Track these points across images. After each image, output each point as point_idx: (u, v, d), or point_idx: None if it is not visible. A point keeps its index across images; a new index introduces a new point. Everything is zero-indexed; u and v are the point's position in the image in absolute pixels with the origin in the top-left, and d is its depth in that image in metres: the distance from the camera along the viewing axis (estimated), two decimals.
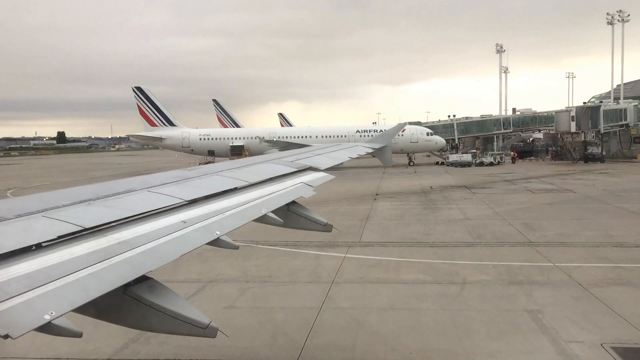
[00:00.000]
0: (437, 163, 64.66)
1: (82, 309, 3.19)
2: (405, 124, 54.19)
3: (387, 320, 11.49)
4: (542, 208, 27.18)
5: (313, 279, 14.99)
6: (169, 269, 11.27)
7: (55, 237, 3.62)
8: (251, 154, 56.24)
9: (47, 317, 2.80)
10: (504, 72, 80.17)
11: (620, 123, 62.43)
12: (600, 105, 62.51)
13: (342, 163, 11.21)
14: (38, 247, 3.44)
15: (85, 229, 3.87)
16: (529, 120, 72.19)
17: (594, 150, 60.66)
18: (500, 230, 21.16)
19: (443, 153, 66.73)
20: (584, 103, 66.35)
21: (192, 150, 64.90)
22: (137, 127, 67.29)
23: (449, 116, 76.95)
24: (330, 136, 61.48)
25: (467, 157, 59.99)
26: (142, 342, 10.30)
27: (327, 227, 7.48)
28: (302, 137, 63.04)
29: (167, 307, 3.92)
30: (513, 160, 62.89)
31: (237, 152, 61.02)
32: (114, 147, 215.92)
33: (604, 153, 60.78)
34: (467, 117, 74.92)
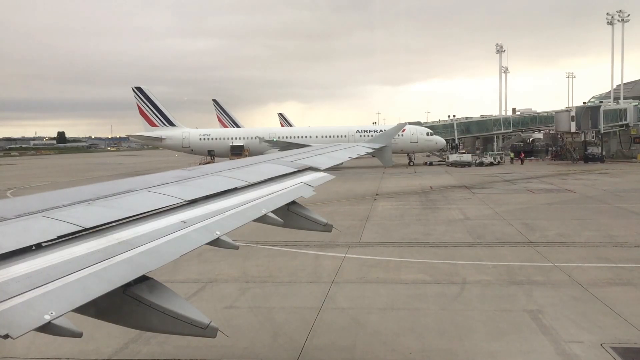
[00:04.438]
0: (426, 164, 64.18)
1: (82, 309, 3.19)
2: (405, 124, 54.24)
3: (387, 320, 11.49)
4: (542, 208, 27.18)
5: (313, 279, 14.99)
6: (169, 269, 11.26)
7: (55, 237, 3.62)
8: (251, 154, 56.25)
9: (47, 317, 2.80)
10: (504, 72, 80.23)
11: (620, 123, 62.45)
12: (600, 105, 62.53)
13: (342, 163, 11.20)
14: (38, 247, 3.44)
15: (85, 229, 3.87)
16: (529, 120, 72.25)
17: (594, 150, 60.68)
18: (501, 231, 21.16)
19: (443, 153, 66.75)
20: (584, 103, 66.35)
21: (192, 150, 64.95)
22: (137, 127, 67.36)
23: (449, 116, 77.03)
24: (330, 136, 61.51)
25: (467, 157, 60.00)
26: (142, 342, 10.30)
27: (327, 227, 7.48)
28: (302, 137, 63.07)
29: (167, 307, 3.92)
30: (517, 160, 62.19)
31: (237, 152, 61.06)
32: (112, 147, 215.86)
33: (604, 153, 60.82)
34: (467, 117, 74.96)
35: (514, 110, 79.31)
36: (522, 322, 11.06)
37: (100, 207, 4.50)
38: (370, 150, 13.72)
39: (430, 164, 63.65)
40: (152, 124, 64.76)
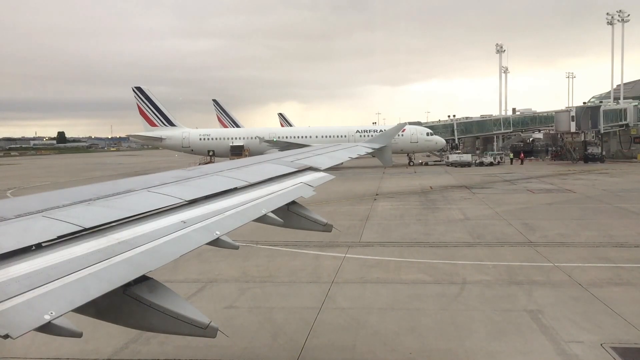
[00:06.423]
0: (421, 163, 64.07)
1: (82, 309, 3.19)
2: (405, 124, 54.18)
3: (387, 320, 11.49)
4: (542, 208, 27.18)
5: (313, 279, 14.98)
6: (169, 269, 11.26)
7: (55, 237, 3.62)
8: (251, 154, 56.23)
9: (47, 317, 2.80)
10: (504, 72, 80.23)
11: (620, 123, 62.46)
12: (600, 105, 62.55)
13: (342, 163, 11.21)
14: (38, 247, 3.44)
15: (85, 229, 3.87)
16: (529, 120, 72.26)
17: (594, 150, 60.68)
18: (500, 231, 21.16)
19: (443, 153, 66.72)
20: (584, 103, 66.36)
21: (192, 150, 64.95)
22: (137, 127, 67.40)
23: (449, 116, 77.05)
24: (330, 136, 61.51)
25: (467, 157, 59.94)
26: (142, 342, 10.30)
27: (327, 227, 7.48)
28: (302, 137, 63.07)
29: (167, 307, 3.92)
30: (517, 160, 61.97)
31: (237, 152, 61.05)
32: (112, 147, 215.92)
33: (603, 153, 60.83)
34: (467, 117, 74.93)
35: (514, 110, 79.33)
36: (522, 322, 11.06)
37: (100, 207, 4.50)
38: (370, 150, 13.71)
39: (426, 164, 63.57)
40: (152, 124, 64.77)
